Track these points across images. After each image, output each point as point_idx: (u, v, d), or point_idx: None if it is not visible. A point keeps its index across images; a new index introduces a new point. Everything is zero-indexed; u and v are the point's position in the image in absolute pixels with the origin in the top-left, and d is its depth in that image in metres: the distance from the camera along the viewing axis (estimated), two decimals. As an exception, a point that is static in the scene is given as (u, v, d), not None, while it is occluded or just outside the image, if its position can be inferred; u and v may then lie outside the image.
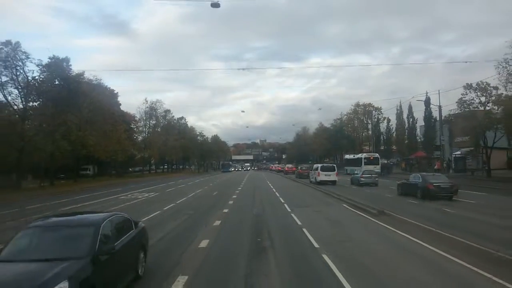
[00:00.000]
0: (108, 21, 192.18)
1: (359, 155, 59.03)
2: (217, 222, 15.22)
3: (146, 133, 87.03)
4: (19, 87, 42.40)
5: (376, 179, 36.03)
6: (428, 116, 60.27)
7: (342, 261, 8.96)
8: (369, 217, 16.00)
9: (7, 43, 39.99)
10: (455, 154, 53.52)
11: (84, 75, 52.39)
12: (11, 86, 42.04)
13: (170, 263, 9.17)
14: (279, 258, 9.53)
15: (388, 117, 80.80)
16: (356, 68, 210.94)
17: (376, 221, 15.04)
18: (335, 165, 42.53)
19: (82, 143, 45.55)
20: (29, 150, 39.18)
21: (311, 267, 8.75)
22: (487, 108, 38.60)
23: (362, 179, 35.79)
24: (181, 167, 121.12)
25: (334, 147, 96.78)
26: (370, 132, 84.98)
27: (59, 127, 41.68)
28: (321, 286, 7.50)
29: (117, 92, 70.85)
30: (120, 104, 72.27)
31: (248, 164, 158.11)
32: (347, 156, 69.82)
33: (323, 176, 38.82)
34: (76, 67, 48.42)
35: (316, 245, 10.80)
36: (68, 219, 8.03)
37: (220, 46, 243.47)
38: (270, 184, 42.35)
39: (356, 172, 42.58)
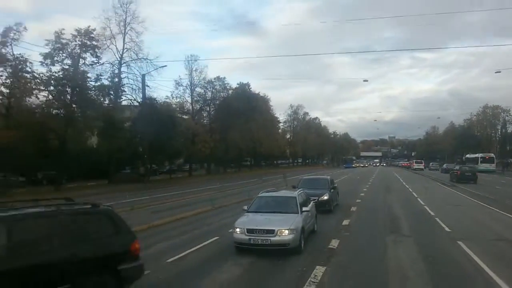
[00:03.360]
0: (239, 20, 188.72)
1: (476, 155, 68.97)
2: (366, 187, 32.24)
3: (291, 132, 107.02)
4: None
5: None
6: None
7: (419, 194, 24.94)
8: (442, 185, 31.61)
9: (218, 78, 61.94)
10: None
11: (259, 94, 73.97)
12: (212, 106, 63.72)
13: (357, 191, 26.58)
14: (397, 193, 26.16)
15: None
16: (504, 56, 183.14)
17: (444, 186, 30.78)
18: (422, 160, 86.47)
19: (260, 142, 66.43)
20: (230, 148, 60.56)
21: (406, 194, 25.55)
22: None
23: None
24: (314, 161, 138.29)
25: (462, 146, 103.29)
26: (498, 133, 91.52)
27: (247, 132, 62.57)
28: (409, 198, 23.55)
29: (269, 98, 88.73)
30: (270, 110, 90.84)
31: (377, 160, 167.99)
32: (467, 155, 79.02)
33: (416, 166, 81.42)
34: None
35: (411, 190, 27.49)
36: (316, 176, 25.03)
37: (348, 39, 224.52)
38: (394, 173, 60.56)
39: None
